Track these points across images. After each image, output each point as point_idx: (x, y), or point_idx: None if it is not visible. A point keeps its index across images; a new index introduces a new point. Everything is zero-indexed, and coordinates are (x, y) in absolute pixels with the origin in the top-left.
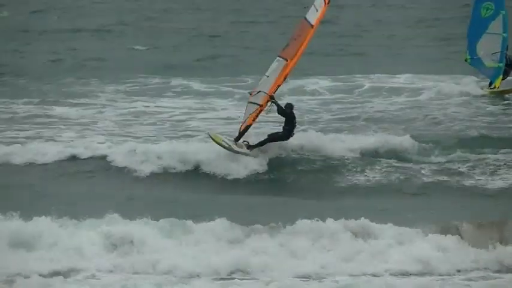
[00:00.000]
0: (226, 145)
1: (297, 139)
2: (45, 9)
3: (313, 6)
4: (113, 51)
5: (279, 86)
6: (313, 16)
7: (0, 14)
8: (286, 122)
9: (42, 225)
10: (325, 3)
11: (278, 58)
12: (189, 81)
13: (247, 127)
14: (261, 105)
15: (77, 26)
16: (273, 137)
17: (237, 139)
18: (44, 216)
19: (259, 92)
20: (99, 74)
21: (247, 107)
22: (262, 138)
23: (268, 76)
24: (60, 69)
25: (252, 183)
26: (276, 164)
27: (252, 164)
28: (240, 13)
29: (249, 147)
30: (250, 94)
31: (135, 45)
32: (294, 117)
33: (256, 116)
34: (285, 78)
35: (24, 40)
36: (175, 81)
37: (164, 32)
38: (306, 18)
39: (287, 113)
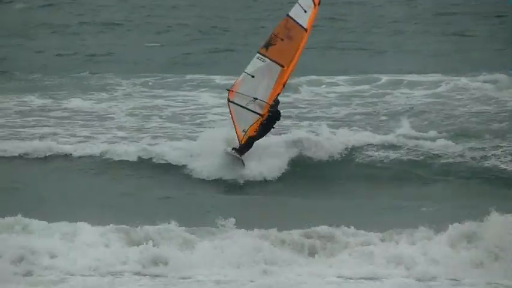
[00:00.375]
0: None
1: None
2: (56, 3)
3: (298, 5)
4: (124, 46)
5: (278, 94)
6: (303, 18)
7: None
8: (268, 127)
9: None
10: (314, 4)
11: (261, 57)
12: (207, 75)
13: (251, 140)
14: (262, 115)
15: (85, 20)
16: (252, 142)
17: (240, 153)
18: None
19: (256, 99)
20: (113, 68)
21: (235, 110)
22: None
23: (253, 76)
24: (73, 63)
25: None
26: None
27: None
28: (250, 9)
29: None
30: (230, 91)
31: (146, 41)
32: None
33: (258, 127)
34: (283, 86)
35: (36, 34)
36: (191, 76)
37: (174, 28)
38: (291, 17)
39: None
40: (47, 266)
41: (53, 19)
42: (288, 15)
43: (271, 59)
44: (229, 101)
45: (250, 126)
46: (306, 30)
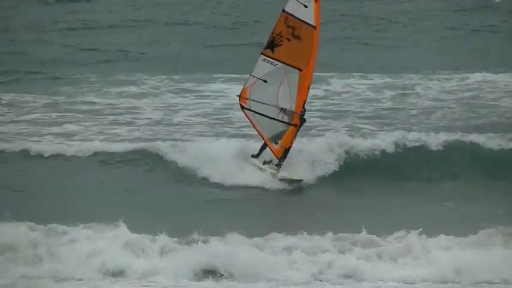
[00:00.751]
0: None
1: None
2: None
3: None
4: (148, 45)
5: (305, 101)
6: (307, 14)
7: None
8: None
9: None
10: (315, 0)
11: (268, 59)
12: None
13: (287, 150)
14: (295, 125)
15: (106, 19)
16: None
17: (279, 165)
18: None
19: (284, 109)
20: (140, 67)
21: (254, 117)
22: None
23: (266, 81)
24: (99, 61)
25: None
26: None
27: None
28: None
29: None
30: (241, 99)
31: (170, 40)
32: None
33: (294, 136)
34: (308, 89)
35: (60, 31)
36: (219, 75)
37: (195, 27)
38: (289, 13)
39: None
40: None
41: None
42: (284, 10)
43: (284, 62)
44: (242, 108)
45: (282, 136)
46: (314, 27)
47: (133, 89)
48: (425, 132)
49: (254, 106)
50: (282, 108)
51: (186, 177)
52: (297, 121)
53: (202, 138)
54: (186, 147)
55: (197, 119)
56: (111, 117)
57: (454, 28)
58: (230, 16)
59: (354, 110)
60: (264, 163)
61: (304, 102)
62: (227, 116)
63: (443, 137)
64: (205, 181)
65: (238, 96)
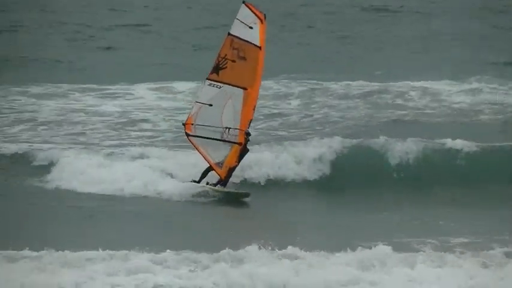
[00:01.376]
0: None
1: None
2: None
3: (237, 21)
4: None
5: (251, 120)
6: (251, 35)
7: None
8: (243, 156)
9: None
10: (261, 20)
11: (213, 83)
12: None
13: (232, 169)
14: (240, 143)
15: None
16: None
17: (224, 184)
18: None
19: (228, 128)
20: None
21: (199, 143)
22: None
23: (211, 105)
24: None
25: None
26: None
27: None
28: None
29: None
30: (186, 125)
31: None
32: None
33: (237, 155)
34: (254, 110)
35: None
36: None
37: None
38: (235, 36)
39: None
40: None
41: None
42: (230, 33)
43: (227, 83)
44: (187, 135)
45: (226, 157)
46: (259, 48)
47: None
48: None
49: (199, 131)
50: (226, 128)
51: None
52: (241, 139)
53: None
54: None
55: None
56: None
57: None
58: None
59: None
60: (207, 183)
61: (250, 121)
62: None
63: None
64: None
65: (183, 124)
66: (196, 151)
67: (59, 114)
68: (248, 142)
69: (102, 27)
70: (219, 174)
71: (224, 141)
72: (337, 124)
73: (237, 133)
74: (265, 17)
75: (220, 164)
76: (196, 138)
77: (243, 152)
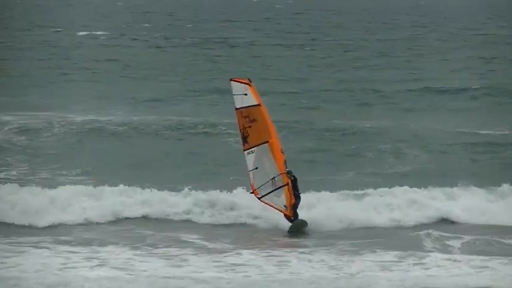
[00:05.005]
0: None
1: None
2: None
3: (235, 96)
4: None
5: (285, 160)
6: (249, 100)
7: None
8: (296, 187)
9: None
10: (248, 84)
11: (249, 151)
12: None
13: (295, 205)
14: (287, 184)
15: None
16: (296, 207)
17: (295, 219)
18: None
19: (274, 178)
20: None
21: (269, 199)
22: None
23: (257, 168)
24: None
25: None
26: None
27: None
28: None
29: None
30: (253, 193)
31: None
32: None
33: (291, 193)
34: (282, 152)
35: None
36: None
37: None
38: (239, 108)
39: (294, 177)
40: None
41: None
42: (236, 108)
43: (256, 146)
44: (259, 199)
45: (285, 198)
46: (259, 104)
47: None
48: None
49: (261, 191)
50: (272, 179)
51: None
52: (286, 180)
53: None
54: None
55: None
56: None
57: None
58: None
59: None
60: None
61: (285, 162)
62: None
63: None
64: None
65: (251, 193)
66: (272, 208)
67: None
68: (294, 177)
69: None
70: (288, 215)
71: (276, 189)
72: None
73: (281, 177)
74: (250, 80)
75: (285, 207)
76: (265, 198)
77: (294, 184)
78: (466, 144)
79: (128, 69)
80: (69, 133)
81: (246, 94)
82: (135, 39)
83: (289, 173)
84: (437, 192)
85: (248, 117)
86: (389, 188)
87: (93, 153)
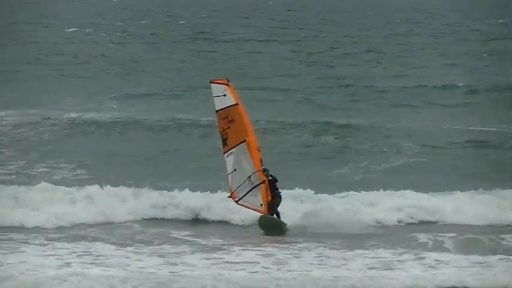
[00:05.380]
0: (277, 222)
1: None
2: None
3: (214, 98)
4: None
5: (261, 159)
6: (227, 100)
7: None
8: (273, 187)
9: None
10: (227, 85)
11: (228, 153)
12: None
13: (272, 203)
14: (264, 181)
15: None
16: (277, 207)
17: (276, 215)
18: None
19: (249, 176)
20: None
21: (246, 201)
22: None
23: (236, 170)
24: None
25: None
26: None
27: None
28: None
29: None
30: (231, 197)
31: None
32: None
33: (268, 191)
34: (259, 150)
35: None
36: None
37: None
38: (220, 109)
39: (272, 177)
40: None
41: None
42: (216, 110)
43: (234, 146)
44: (237, 202)
45: (261, 196)
46: (236, 104)
47: None
48: None
49: (239, 193)
50: (248, 177)
51: None
52: (262, 178)
53: None
54: None
55: None
56: None
57: None
58: None
59: None
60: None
61: (261, 160)
62: None
63: None
64: None
65: (229, 197)
66: (250, 209)
67: None
68: (273, 177)
69: None
70: (264, 213)
71: (253, 188)
72: None
73: (257, 175)
74: (228, 80)
75: (261, 205)
76: (242, 201)
77: (272, 185)
78: (460, 142)
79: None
80: (60, 129)
81: (224, 95)
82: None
83: (265, 170)
84: (428, 190)
85: (227, 117)
86: (381, 186)
87: (86, 149)
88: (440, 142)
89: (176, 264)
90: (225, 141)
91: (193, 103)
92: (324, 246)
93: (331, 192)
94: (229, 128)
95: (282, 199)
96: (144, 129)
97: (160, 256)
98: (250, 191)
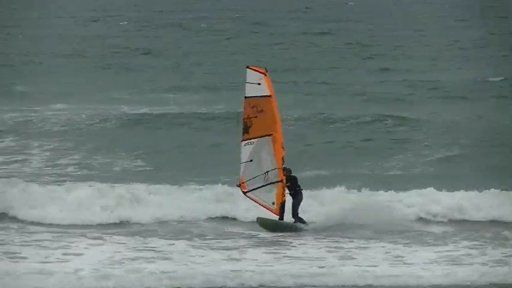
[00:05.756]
0: (279, 225)
1: None
2: None
3: (248, 84)
4: None
5: (283, 157)
6: (261, 90)
7: None
8: (295, 185)
9: None
10: (264, 74)
11: (246, 142)
12: None
13: (283, 204)
14: (281, 180)
15: None
16: (298, 205)
17: (281, 219)
18: None
19: (267, 172)
20: None
21: (255, 195)
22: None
23: (252, 160)
24: None
25: None
26: None
27: None
28: None
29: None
30: (240, 185)
31: None
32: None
33: (284, 190)
34: (283, 148)
35: None
36: None
37: None
38: (249, 97)
39: (293, 176)
40: None
41: None
42: (245, 97)
43: (258, 136)
44: (245, 194)
45: (277, 195)
46: (270, 96)
47: None
48: None
49: (250, 185)
50: (265, 173)
51: None
52: (281, 176)
53: None
54: None
55: None
56: None
57: None
58: None
59: None
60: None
61: (283, 158)
62: None
63: None
64: None
65: (238, 186)
66: (257, 204)
67: None
68: (293, 177)
69: None
70: (273, 213)
71: (268, 184)
72: None
73: (276, 172)
74: (266, 70)
75: (273, 204)
76: (251, 193)
77: (294, 182)
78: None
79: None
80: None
81: (259, 84)
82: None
83: (285, 169)
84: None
85: (256, 107)
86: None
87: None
88: None
89: (239, 260)
90: (246, 130)
91: None
92: (390, 242)
93: (388, 188)
94: (255, 117)
95: (304, 197)
96: (206, 122)
97: (224, 250)
98: (263, 186)
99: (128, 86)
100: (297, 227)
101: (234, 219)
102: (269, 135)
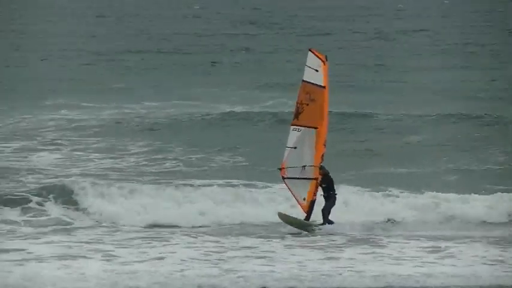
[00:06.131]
0: (299, 223)
1: None
2: None
3: (307, 67)
4: None
5: (323, 154)
6: (317, 78)
7: None
8: (330, 188)
9: None
10: (323, 62)
11: (295, 127)
12: None
13: (312, 203)
14: (316, 178)
15: None
16: (329, 209)
17: (307, 218)
18: None
19: (304, 166)
20: None
21: (291, 183)
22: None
23: (296, 148)
24: None
25: None
26: None
27: None
28: None
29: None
30: (281, 169)
31: None
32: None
33: (316, 189)
34: (324, 145)
35: None
36: None
37: None
38: (307, 81)
39: (331, 178)
40: None
41: None
42: (303, 80)
43: (304, 126)
44: (283, 178)
45: (308, 191)
46: (324, 87)
47: None
48: None
49: (288, 172)
50: (303, 166)
51: None
52: (316, 174)
53: None
54: None
55: None
56: None
57: None
58: None
59: None
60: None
61: (323, 156)
62: None
63: None
64: None
65: (279, 169)
66: (290, 193)
67: None
68: (329, 177)
69: None
70: (302, 208)
71: (303, 178)
72: None
73: (312, 169)
74: (326, 58)
75: (304, 199)
76: (288, 180)
77: (327, 187)
78: None
79: None
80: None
81: (317, 70)
82: None
83: (322, 168)
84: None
85: (309, 94)
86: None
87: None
88: None
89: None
90: (297, 115)
91: None
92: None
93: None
94: (307, 104)
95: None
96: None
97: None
98: (299, 179)
99: (229, 83)
100: (313, 227)
101: None
102: (315, 127)
